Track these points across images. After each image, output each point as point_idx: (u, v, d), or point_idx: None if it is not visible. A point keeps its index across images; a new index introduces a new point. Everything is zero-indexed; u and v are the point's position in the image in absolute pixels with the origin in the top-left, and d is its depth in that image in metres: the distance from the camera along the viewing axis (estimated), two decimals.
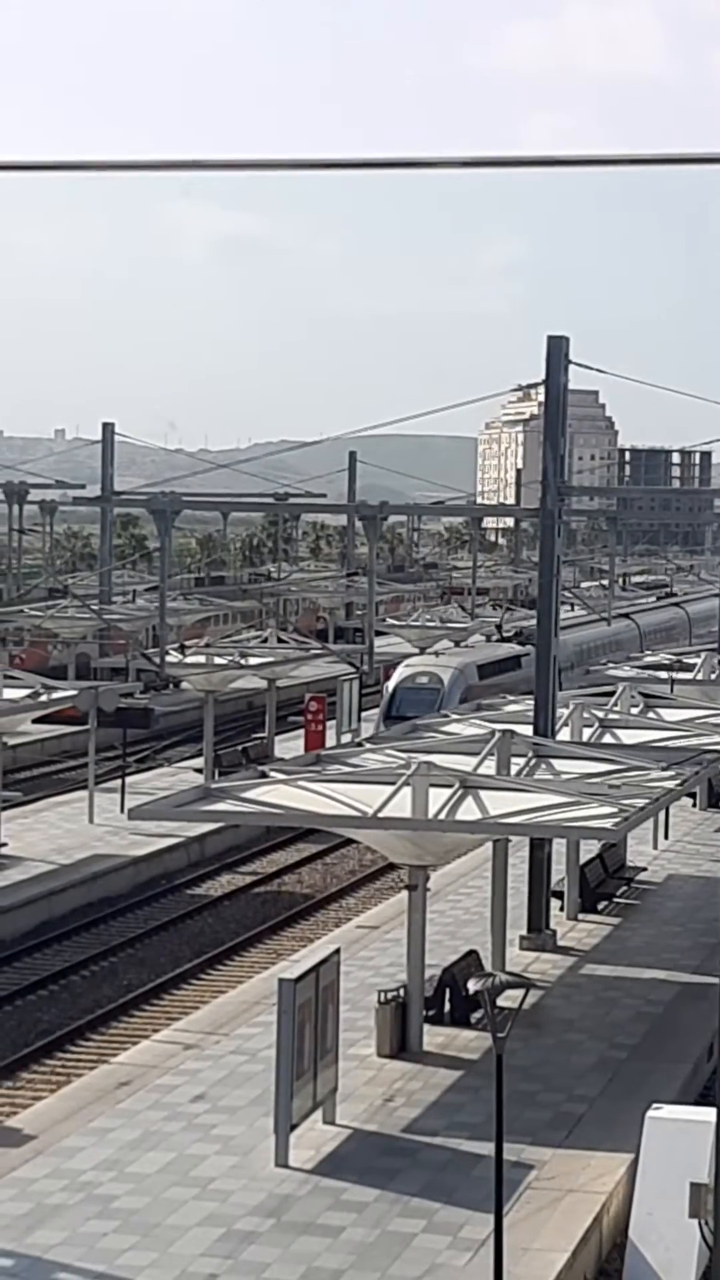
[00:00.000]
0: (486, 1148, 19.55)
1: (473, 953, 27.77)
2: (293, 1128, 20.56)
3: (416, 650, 64.34)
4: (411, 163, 11.40)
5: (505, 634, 63.77)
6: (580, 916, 32.83)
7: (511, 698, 38.95)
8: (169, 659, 49.38)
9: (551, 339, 31.52)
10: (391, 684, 53.33)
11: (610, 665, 50.91)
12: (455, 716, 35.12)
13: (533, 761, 28.59)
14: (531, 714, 31.85)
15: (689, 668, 46.53)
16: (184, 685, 55.31)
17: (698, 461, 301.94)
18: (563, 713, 32.71)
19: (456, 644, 66.08)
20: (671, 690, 40.16)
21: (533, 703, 32.21)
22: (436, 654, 59.54)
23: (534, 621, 64.11)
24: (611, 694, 36.75)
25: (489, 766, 26.92)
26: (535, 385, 32.89)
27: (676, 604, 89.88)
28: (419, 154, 11.36)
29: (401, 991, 24.81)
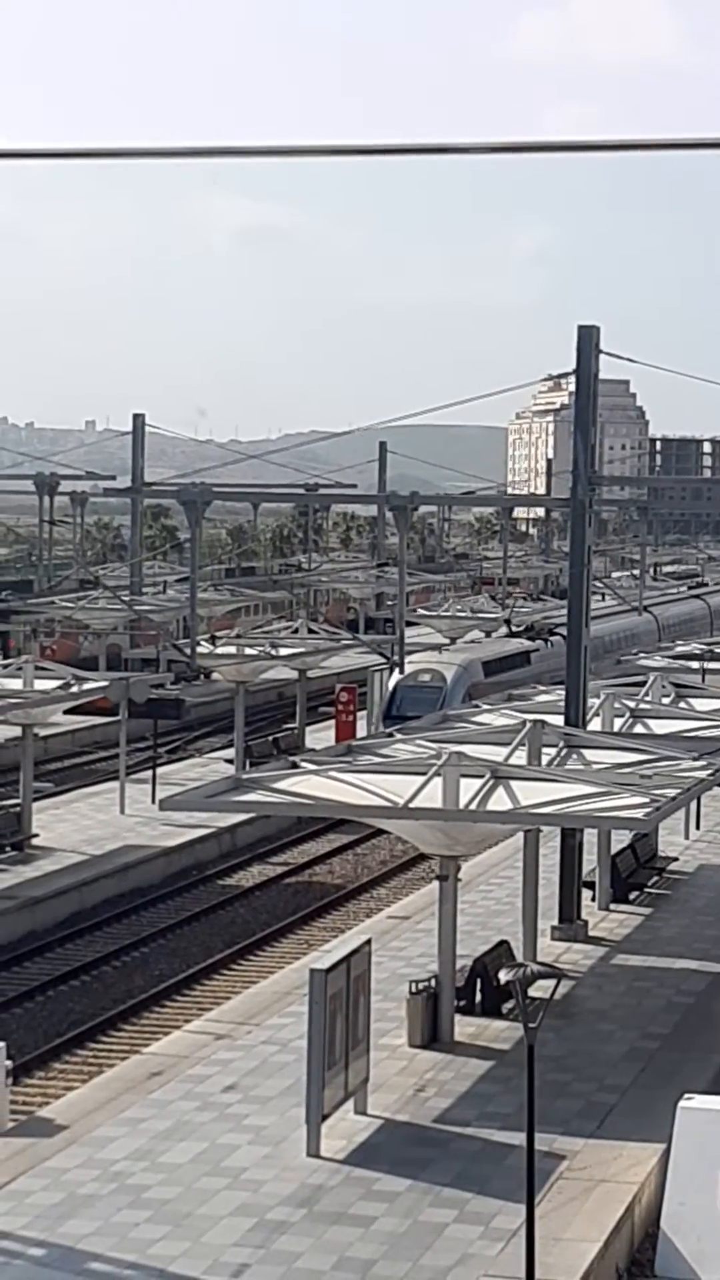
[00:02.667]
0: (518, 1138, 19.52)
1: (504, 943, 27.74)
2: (324, 1118, 20.56)
3: (448, 640, 63.65)
4: (436, 148, 11.36)
5: (515, 629, 61.90)
6: (612, 907, 32.78)
7: (542, 687, 38.82)
8: (200, 650, 49.40)
9: (582, 328, 31.44)
10: (392, 682, 51.08)
11: (642, 655, 50.68)
12: (486, 706, 35.04)
13: (564, 751, 28.51)
14: (562, 704, 31.81)
15: None
16: (215, 676, 55.32)
17: None
18: (594, 703, 32.64)
19: (488, 635, 65.60)
20: (703, 680, 40.04)
21: (564, 693, 32.17)
22: (440, 650, 58.09)
23: (544, 616, 64.00)
24: (642, 684, 36.65)
25: (520, 757, 26.88)
26: (566, 375, 32.80)
27: (697, 596, 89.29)
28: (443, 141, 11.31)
29: (433, 982, 24.80)
